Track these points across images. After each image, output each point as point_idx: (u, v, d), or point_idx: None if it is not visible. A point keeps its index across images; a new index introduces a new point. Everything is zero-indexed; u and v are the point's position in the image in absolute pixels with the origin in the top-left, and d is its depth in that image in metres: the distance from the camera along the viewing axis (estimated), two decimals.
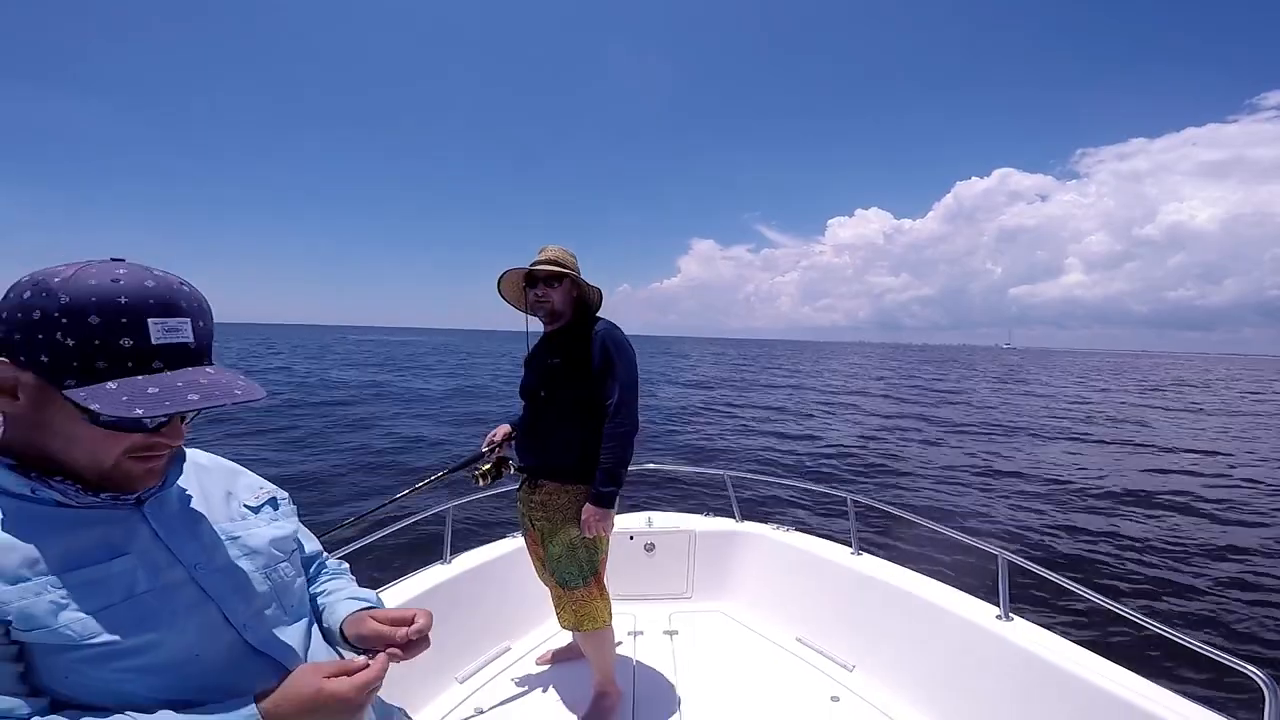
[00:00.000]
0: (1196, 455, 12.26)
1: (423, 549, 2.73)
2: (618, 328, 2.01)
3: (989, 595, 2.19)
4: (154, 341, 0.63)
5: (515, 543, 2.78)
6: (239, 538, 0.81)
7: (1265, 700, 1.39)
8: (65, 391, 0.60)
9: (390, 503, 2.02)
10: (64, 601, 0.62)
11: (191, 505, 0.78)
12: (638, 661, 2.44)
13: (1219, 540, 6.65)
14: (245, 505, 0.86)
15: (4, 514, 0.62)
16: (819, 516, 6.66)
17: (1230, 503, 8.42)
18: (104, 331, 0.60)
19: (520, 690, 2.25)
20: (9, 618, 0.60)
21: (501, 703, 2.17)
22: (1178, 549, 6.35)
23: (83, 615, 0.63)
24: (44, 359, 0.60)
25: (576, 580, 1.98)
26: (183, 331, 0.65)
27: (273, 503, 0.90)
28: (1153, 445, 13.34)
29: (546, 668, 2.40)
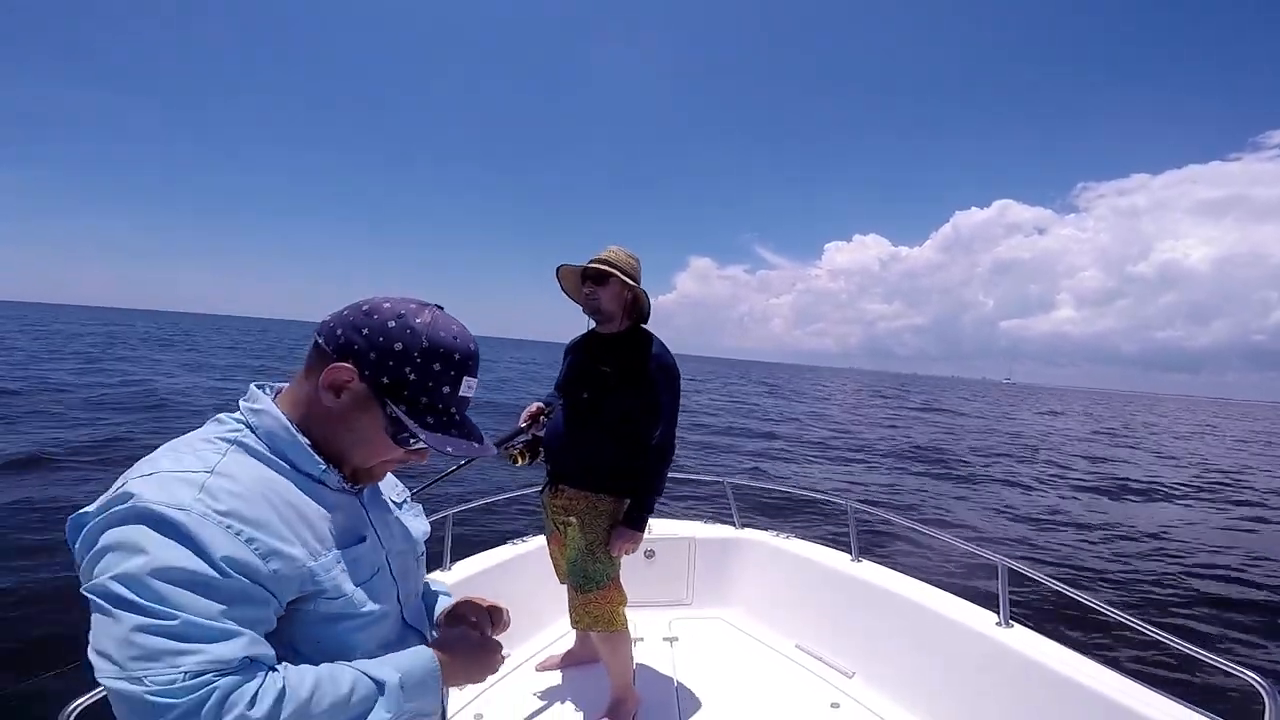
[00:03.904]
0: (1199, 471, 12.28)
1: None
2: (669, 351, 2.02)
3: (989, 602, 2.19)
4: (460, 394, 0.79)
5: (514, 550, 2.78)
6: (408, 526, 0.94)
7: (1265, 706, 1.39)
8: (411, 424, 0.74)
9: (438, 480, 2.00)
10: (350, 575, 0.74)
11: (378, 497, 0.91)
12: (637, 668, 2.44)
13: (1218, 549, 6.65)
14: (392, 500, 0.97)
15: (300, 489, 0.73)
16: (819, 523, 6.65)
17: (1229, 515, 8.42)
18: (439, 377, 0.76)
19: (520, 696, 2.24)
20: (324, 587, 0.71)
21: (501, 709, 2.16)
22: (1177, 557, 6.35)
23: (359, 587, 0.75)
24: (385, 380, 0.74)
25: (593, 584, 1.98)
26: (474, 388, 0.81)
27: (407, 501, 1.01)
28: (1158, 457, 13.34)
29: (546, 674, 2.39)
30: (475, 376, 0.81)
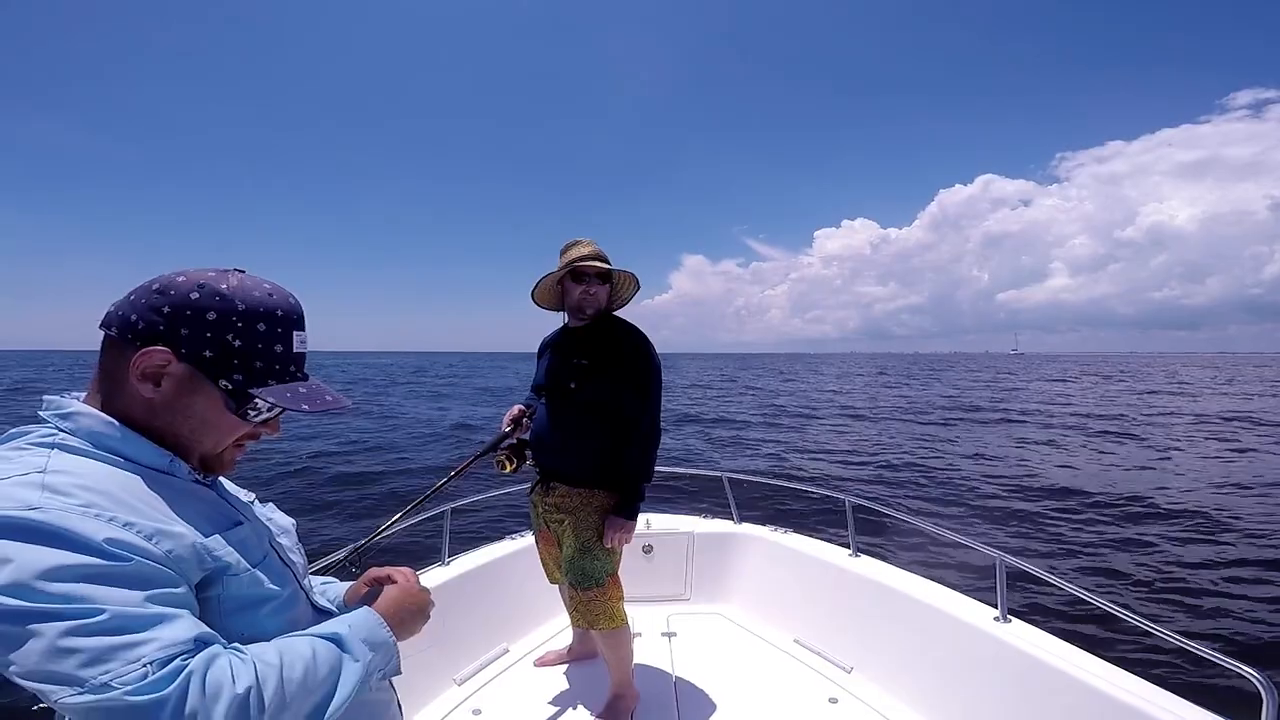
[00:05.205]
0: (1194, 459, 12.29)
1: (420, 551, 2.72)
2: (646, 336, 2.01)
3: (987, 597, 2.19)
4: (294, 350, 0.75)
5: (513, 544, 2.78)
6: (272, 518, 0.89)
7: (1263, 702, 1.39)
8: (253, 390, 0.71)
9: (431, 494, 1.95)
10: (244, 556, 0.70)
11: (230, 493, 0.85)
12: (636, 664, 2.44)
13: (1216, 542, 6.66)
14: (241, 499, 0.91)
15: (149, 483, 0.66)
16: (817, 518, 6.65)
17: (1228, 505, 8.44)
18: (268, 337, 0.72)
19: (519, 692, 2.24)
20: (226, 561, 0.67)
21: (500, 704, 2.16)
22: (1175, 551, 6.36)
23: (257, 568, 0.72)
24: (207, 354, 0.68)
25: (591, 581, 1.96)
26: (307, 343, 0.78)
27: (255, 501, 0.94)
28: (1152, 448, 13.36)
29: (545, 669, 2.39)
30: (303, 330, 0.76)
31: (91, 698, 0.51)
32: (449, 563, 2.51)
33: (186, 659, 0.55)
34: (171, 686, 0.53)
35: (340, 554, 1.77)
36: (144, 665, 0.52)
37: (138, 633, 0.54)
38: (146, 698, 0.52)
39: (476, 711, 2.10)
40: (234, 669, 0.58)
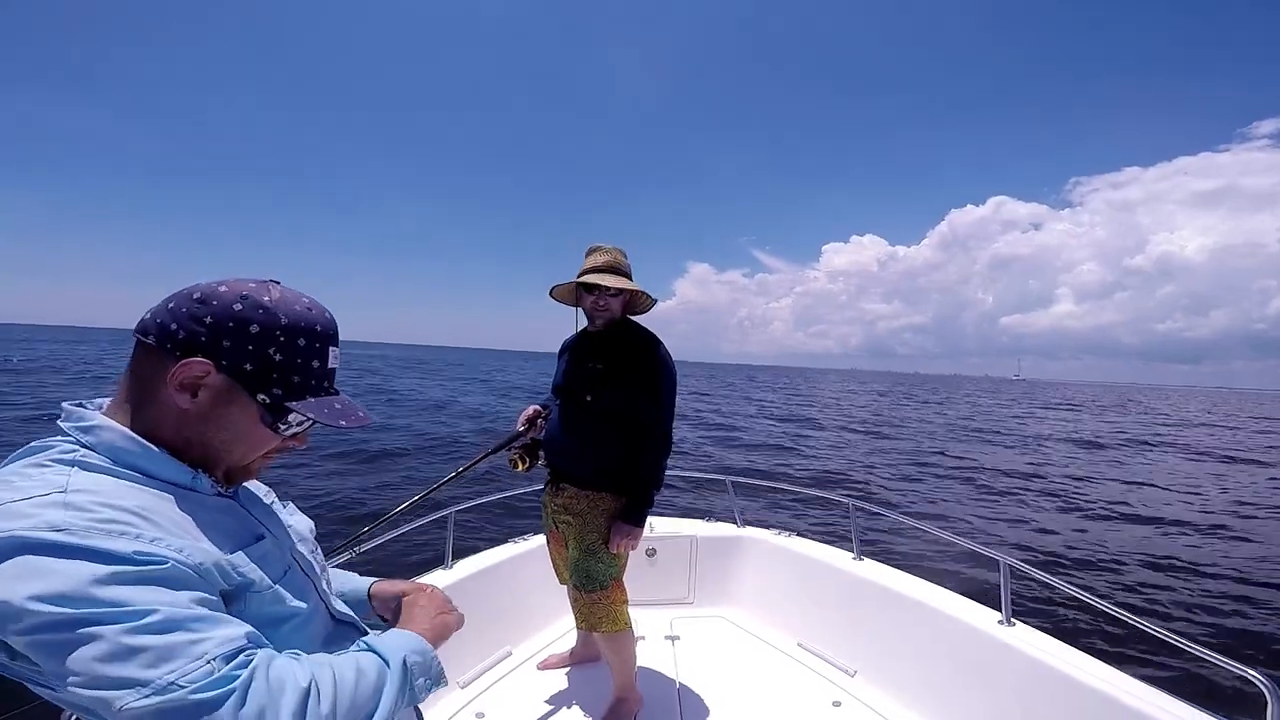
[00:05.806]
0: (1200, 469, 12.23)
1: (424, 554, 2.73)
2: (663, 344, 2.02)
3: (991, 600, 2.19)
4: (328, 365, 0.75)
5: (516, 548, 2.78)
6: (292, 525, 0.88)
7: (1268, 704, 1.39)
8: (290, 404, 0.71)
9: (441, 485, 1.98)
10: (266, 572, 0.69)
11: (254, 497, 0.84)
12: (639, 667, 2.44)
13: (1219, 547, 6.64)
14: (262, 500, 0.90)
15: (171, 500, 0.64)
16: (821, 521, 6.64)
17: (1232, 512, 8.40)
18: (306, 353, 0.72)
19: (522, 695, 2.24)
20: (250, 578, 0.66)
21: (503, 707, 2.16)
22: (1179, 555, 6.33)
23: (278, 584, 0.71)
24: (248, 367, 0.68)
25: (595, 584, 1.97)
26: (338, 358, 0.78)
27: (276, 500, 0.93)
28: (1157, 457, 13.30)
29: (548, 672, 2.39)
30: (337, 346, 0.77)
31: (158, 699, 0.49)
32: (452, 566, 2.52)
33: (250, 655, 0.55)
34: (238, 682, 0.52)
35: (344, 545, 1.80)
36: (208, 662, 0.52)
37: (194, 631, 0.53)
38: (213, 693, 0.51)
39: (480, 715, 2.10)
40: (295, 668, 0.58)
